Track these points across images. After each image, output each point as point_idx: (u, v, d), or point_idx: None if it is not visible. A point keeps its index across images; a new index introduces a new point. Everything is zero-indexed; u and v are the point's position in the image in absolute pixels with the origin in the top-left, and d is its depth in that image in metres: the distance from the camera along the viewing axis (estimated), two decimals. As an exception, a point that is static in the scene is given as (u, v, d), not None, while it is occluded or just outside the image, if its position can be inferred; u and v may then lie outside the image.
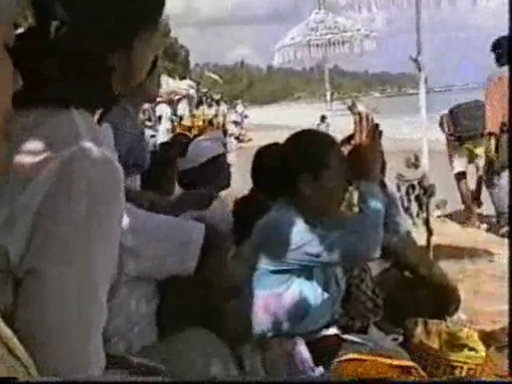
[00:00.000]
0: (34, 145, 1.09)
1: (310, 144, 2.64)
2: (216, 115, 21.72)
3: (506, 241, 6.77)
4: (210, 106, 22.32)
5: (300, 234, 2.51)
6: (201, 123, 20.17)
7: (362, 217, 2.52)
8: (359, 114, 2.58)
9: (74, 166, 1.08)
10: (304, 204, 2.61)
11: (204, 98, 23.19)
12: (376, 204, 2.50)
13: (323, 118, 19.43)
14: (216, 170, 3.85)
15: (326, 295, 2.64)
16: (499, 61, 6.55)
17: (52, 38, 1.21)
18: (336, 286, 2.74)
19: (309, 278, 2.59)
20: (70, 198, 1.06)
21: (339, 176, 2.59)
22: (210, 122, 20.89)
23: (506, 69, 6.23)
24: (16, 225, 1.06)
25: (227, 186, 3.88)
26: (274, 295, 2.59)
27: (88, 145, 1.10)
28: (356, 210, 2.71)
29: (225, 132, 21.03)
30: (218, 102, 22.33)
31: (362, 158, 2.55)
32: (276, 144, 3.61)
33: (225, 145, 4.12)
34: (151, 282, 2.44)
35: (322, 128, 16.97)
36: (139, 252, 2.32)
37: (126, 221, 2.34)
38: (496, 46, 6.59)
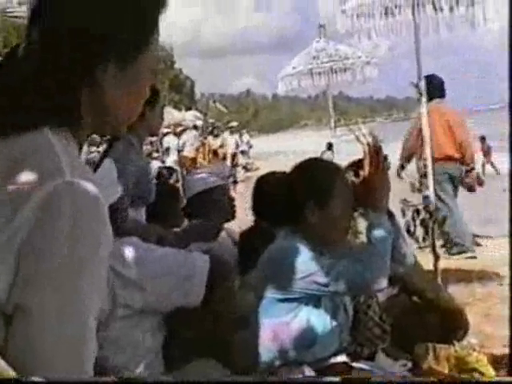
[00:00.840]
0: (18, 177, 1.09)
1: (316, 172, 2.66)
2: (221, 146, 21.71)
3: None
4: (215, 136, 22.34)
5: (307, 263, 2.51)
6: (201, 155, 20.19)
7: (370, 247, 2.53)
8: (368, 144, 2.60)
9: (56, 200, 1.07)
10: (310, 232, 2.61)
11: (210, 129, 23.23)
12: (384, 235, 2.52)
13: (330, 146, 19.50)
14: (212, 202, 3.83)
15: (334, 323, 2.63)
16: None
17: (24, 64, 1.20)
18: (344, 314, 2.73)
19: (317, 306, 2.59)
20: (53, 233, 1.07)
21: (345, 204, 2.60)
22: (215, 153, 20.88)
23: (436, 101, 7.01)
24: (1, 260, 1.07)
25: (232, 217, 3.87)
26: (282, 324, 2.59)
27: (71, 178, 1.10)
28: (362, 237, 2.73)
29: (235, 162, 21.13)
30: (219, 132, 22.39)
31: (371, 189, 2.57)
32: (274, 173, 3.64)
33: (228, 177, 4.13)
34: (157, 314, 2.45)
35: (328, 155, 17.02)
36: (143, 285, 2.34)
37: (130, 254, 2.36)
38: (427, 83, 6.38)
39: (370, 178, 2.57)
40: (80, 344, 1.10)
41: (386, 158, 2.62)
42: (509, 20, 1.58)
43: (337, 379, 2.15)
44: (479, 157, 20.62)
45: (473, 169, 7.45)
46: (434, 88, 7.03)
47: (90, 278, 1.10)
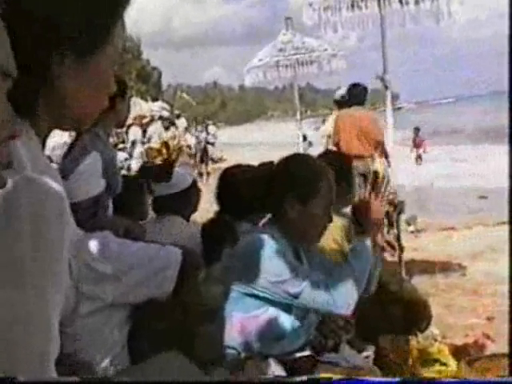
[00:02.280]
0: None
1: (302, 168, 2.66)
2: (173, 137, 21.51)
3: (477, 255, 6.84)
4: (166, 128, 22.17)
5: (281, 267, 2.51)
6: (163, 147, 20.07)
7: (348, 270, 2.55)
8: (375, 172, 2.63)
9: (16, 197, 1.06)
10: (288, 227, 2.62)
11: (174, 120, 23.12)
12: (364, 261, 2.55)
13: (305, 138, 19.58)
14: (194, 196, 3.87)
15: (304, 321, 2.65)
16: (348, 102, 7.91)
17: None
18: (314, 313, 2.74)
19: (286, 310, 2.61)
20: (14, 230, 1.05)
21: (326, 204, 2.60)
22: (167, 145, 20.74)
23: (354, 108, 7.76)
24: None
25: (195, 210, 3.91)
26: (251, 317, 2.59)
27: (31, 174, 1.09)
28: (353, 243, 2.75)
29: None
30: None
31: (366, 215, 2.60)
32: (240, 165, 3.64)
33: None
34: (125, 308, 2.44)
35: (304, 146, 17.10)
36: (118, 279, 2.33)
37: (105, 249, 2.35)
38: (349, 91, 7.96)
39: (368, 206, 2.61)
40: (44, 342, 1.09)
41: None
42: (509, 19, 1.60)
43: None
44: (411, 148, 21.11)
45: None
46: (354, 97, 7.82)
47: (53, 276, 1.09)
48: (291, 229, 2.62)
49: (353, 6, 5.05)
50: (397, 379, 1.03)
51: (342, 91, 8.53)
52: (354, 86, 7.90)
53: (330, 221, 2.69)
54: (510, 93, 1.71)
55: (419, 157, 21.56)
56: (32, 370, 1.07)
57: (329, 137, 8.71)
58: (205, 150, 22.65)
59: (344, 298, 2.50)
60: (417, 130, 22.81)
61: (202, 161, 21.85)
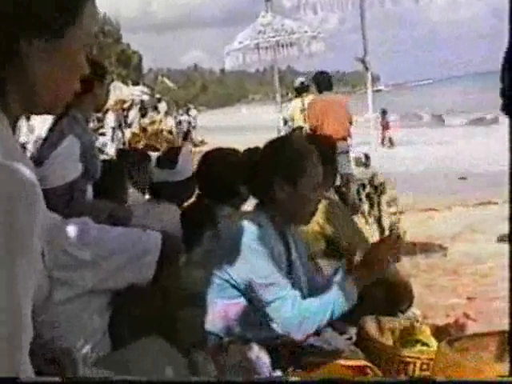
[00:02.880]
0: None
1: (287, 150, 2.65)
2: (152, 122, 21.39)
3: (458, 235, 6.88)
4: (143, 116, 22.07)
5: (268, 269, 2.52)
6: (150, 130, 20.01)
7: (327, 293, 2.56)
8: (398, 235, 2.66)
9: None
10: (277, 210, 2.62)
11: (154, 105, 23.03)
12: (345, 300, 2.56)
13: (286, 121, 19.56)
14: (193, 186, 3.85)
15: None
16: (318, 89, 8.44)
17: None
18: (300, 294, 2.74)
19: None
20: None
21: (314, 183, 2.60)
22: (144, 130, 20.68)
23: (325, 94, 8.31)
24: None
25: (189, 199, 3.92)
26: (234, 304, 2.59)
27: (2, 160, 1.05)
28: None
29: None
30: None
31: (372, 266, 2.63)
32: (220, 149, 3.62)
33: None
34: (106, 294, 2.43)
35: (286, 129, 17.07)
36: (97, 265, 2.31)
37: (83, 235, 2.34)
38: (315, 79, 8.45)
39: (376, 258, 2.63)
40: (14, 331, 1.07)
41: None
42: (509, 18, 1.60)
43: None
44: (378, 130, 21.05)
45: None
46: (322, 83, 8.29)
47: (25, 265, 1.07)
48: (281, 211, 2.62)
49: (332, -13, 5.03)
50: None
51: (302, 79, 9.61)
52: (320, 74, 8.36)
53: (319, 202, 2.69)
54: (510, 90, 1.70)
55: (390, 140, 21.68)
56: (2, 360, 1.05)
57: (292, 120, 9.86)
58: (187, 134, 22.56)
59: (305, 326, 2.51)
60: (384, 112, 22.71)
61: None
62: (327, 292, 2.57)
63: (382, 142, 21.16)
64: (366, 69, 5.26)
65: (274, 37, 8.67)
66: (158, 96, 26.44)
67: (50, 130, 3.48)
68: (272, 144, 2.74)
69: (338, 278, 2.60)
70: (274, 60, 9.28)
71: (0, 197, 1.03)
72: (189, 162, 3.86)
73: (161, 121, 20.97)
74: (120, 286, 2.41)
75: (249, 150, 3.09)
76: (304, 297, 2.72)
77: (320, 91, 8.40)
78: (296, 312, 2.49)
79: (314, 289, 2.78)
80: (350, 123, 8.25)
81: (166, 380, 2.36)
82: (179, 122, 22.23)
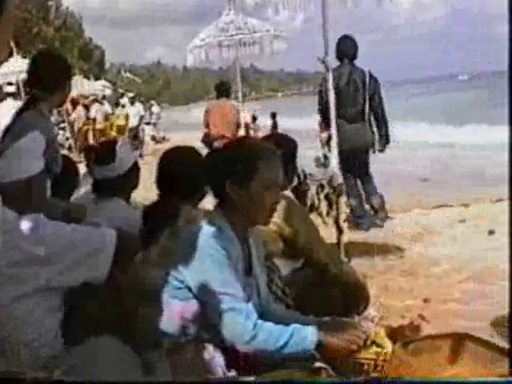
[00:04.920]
0: None
1: (238, 151, 2.64)
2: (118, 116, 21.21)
3: (415, 237, 6.94)
4: (123, 107, 21.94)
5: (224, 278, 2.49)
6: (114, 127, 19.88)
7: (285, 332, 2.51)
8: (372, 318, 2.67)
9: None
10: (234, 210, 2.60)
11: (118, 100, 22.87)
12: (303, 345, 2.50)
13: (254, 119, 19.60)
14: (135, 177, 3.82)
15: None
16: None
17: None
18: (257, 297, 2.73)
19: None
20: None
21: (268, 184, 2.58)
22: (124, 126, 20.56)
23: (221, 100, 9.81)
24: None
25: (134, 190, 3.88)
26: (190, 305, 2.57)
27: None
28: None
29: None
30: (132, 103, 21.85)
31: (334, 353, 2.58)
32: (180, 147, 3.60)
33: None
34: (59, 292, 2.39)
35: (254, 127, 17.13)
36: (51, 262, 2.28)
37: (38, 232, 2.29)
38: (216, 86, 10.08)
39: (339, 347, 2.57)
40: None
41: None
42: (509, 19, 1.60)
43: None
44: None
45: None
46: (221, 90, 9.84)
47: None
48: (237, 212, 2.61)
49: (295, -14, 5.02)
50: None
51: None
52: (222, 84, 9.99)
53: (277, 202, 2.68)
54: (510, 92, 1.71)
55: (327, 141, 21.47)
56: None
57: None
58: (142, 131, 22.42)
59: (254, 344, 2.48)
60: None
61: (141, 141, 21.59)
62: (292, 325, 2.55)
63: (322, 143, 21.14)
64: (327, 69, 5.26)
65: (236, 35, 8.68)
66: (120, 91, 26.26)
67: (13, 121, 3.43)
68: (226, 146, 2.77)
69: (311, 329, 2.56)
70: (236, 58, 9.28)
71: None
72: (127, 153, 3.82)
73: (127, 116, 20.83)
74: (73, 283, 2.37)
75: (213, 152, 3.08)
76: (262, 301, 2.72)
77: (218, 97, 9.85)
78: (249, 328, 2.47)
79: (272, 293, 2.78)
80: (238, 127, 9.69)
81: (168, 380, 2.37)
82: (141, 118, 22.04)
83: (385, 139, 7.57)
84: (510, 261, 1.88)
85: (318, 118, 8.25)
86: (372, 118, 7.43)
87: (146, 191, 4.28)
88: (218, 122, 9.51)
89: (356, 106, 7.30)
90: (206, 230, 2.54)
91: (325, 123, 7.44)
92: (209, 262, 2.49)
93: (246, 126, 12.16)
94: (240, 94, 9.94)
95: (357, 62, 7.50)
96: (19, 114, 3.43)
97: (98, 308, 2.49)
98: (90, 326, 2.43)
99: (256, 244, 2.78)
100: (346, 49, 7.37)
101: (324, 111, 7.28)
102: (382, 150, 7.61)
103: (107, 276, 2.38)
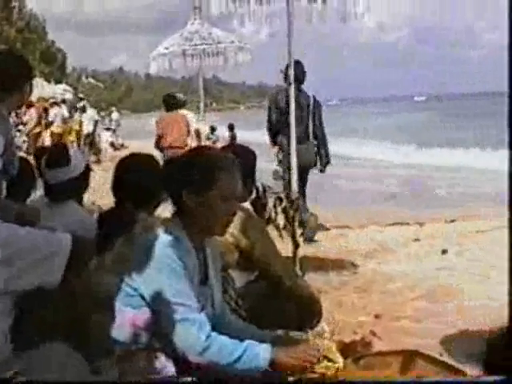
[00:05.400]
0: None
1: (197, 160, 2.61)
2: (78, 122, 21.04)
3: (369, 253, 6.99)
4: (82, 111, 21.76)
5: (179, 288, 2.47)
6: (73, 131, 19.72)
7: (238, 347, 2.48)
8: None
9: None
10: (190, 218, 2.58)
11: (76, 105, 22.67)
12: (256, 362, 2.48)
13: (212, 130, 19.59)
14: (87, 179, 3.79)
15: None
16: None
17: None
18: (211, 308, 2.71)
19: None
20: None
21: (226, 195, 2.56)
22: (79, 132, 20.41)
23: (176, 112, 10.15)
24: None
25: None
26: (143, 312, 2.54)
27: None
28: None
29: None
30: (83, 109, 21.72)
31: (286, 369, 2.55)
32: (135, 154, 3.58)
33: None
34: (9, 297, 2.34)
35: (213, 138, 17.13)
36: (6, 264, 2.23)
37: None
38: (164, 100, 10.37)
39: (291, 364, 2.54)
40: None
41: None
42: (508, 21, 1.61)
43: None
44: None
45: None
46: (169, 104, 10.16)
47: None
48: (192, 220, 2.59)
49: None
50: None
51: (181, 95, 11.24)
52: (168, 96, 10.39)
53: (234, 213, 2.66)
54: (510, 103, 1.73)
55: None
56: None
57: None
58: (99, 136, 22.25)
59: (206, 356, 2.46)
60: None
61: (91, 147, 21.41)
62: (247, 341, 2.53)
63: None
64: (289, 83, 5.30)
65: (200, 44, 8.70)
66: (80, 95, 26.04)
67: None
68: (184, 154, 2.74)
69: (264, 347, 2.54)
70: (200, 68, 9.29)
71: None
72: (80, 155, 3.80)
73: (81, 122, 20.66)
74: (27, 287, 2.33)
75: (171, 160, 3.05)
76: (217, 311, 2.71)
77: (167, 110, 10.23)
78: (201, 339, 2.45)
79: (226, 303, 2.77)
80: (188, 135, 10.15)
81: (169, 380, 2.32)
82: (95, 123, 21.88)
83: (325, 159, 7.81)
84: (510, 264, 1.89)
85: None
86: (313, 139, 7.74)
87: (101, 197, 4.24)
88: (169, 133, 10.00)
89: (301, 126, 7.48)
90: (163, 238, 2.52)
91: (272, 140, 7.82)
92: (164, 271, 2.47)
93: (198, 135, 12.30)
94: (202, 105, 9.94)
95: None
96: None
97: (51, 313, 2.45)
98: (42, 331, 2.39)
99: (213, 254, 2.76)
100: (295, 73, 7.53)
101: (272, 128, 7.74)
102: (322, 171, 7.82)
103: (61, 280, 2.34)
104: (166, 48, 8.81)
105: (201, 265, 2.65)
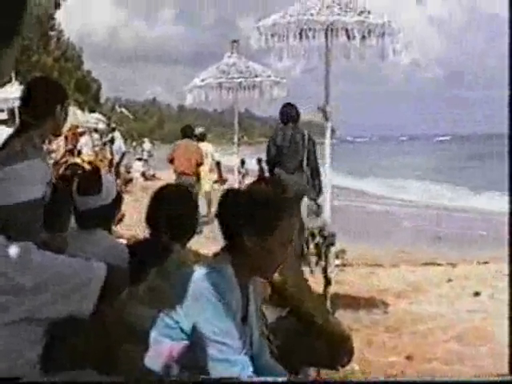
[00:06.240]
0: None
1: (265, 201, 2.48)
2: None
3: (401, 293, 6.91)
4: (111, 142, 21.96)
5: (223, 327, 2.40)
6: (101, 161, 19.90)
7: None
8: None
9: None
10: (244, 256, 2.48)
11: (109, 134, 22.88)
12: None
13: (242, 163, 19.70)
14: (118, 207, 3.77)
15: None
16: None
17: None
18: (249, 347, 2.65)
19: None
20: None
21: (286, 239, 2.49)
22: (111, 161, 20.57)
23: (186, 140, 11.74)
24: None
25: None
26: (181, 344, 2.51)
27: None
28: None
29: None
30: (111, 141, 21.93)
31: None
32: (172, 185, 3.57)
33: None
34: (40, 325, 2.33)
35: (242, 171, 17.26)
36: (38, 292, 2.21)
37: (26, 260, 2.24)
38: (182, 130, 12.12)
39: None
40: None
41: None
42: (509, 24, 1.59)
43: None
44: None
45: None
46: (186, 132, 11.81)
47: None
48: (246, 260, 2.49)
49: (300, 34, 5.06)
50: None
51: (201, 129, 13.79)
52: (187, 127, 12.17)
53: (287, 256, 2.59)
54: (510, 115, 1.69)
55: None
56: None
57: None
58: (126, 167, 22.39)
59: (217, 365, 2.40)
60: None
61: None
62: None
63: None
64: (326, 119, 5.28)
65: (237, 78, 8.74)
66: (113, 125, 26.32)
67: (3, 145, 3.40)
68: (247, 191, 2.61)
69: None
70: (235, 101, 9.34)
71: None
72: (112, 183, 3.78)
73: (112, 151, 20.85)
74: (58, 316, 2.31)
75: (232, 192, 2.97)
76: (254, 351, 2.66)
77: (183, 137, 11.71)
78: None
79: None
80: (198, 165, 11.41)
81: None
82: (123, 155, 22.05)
83: (318, 189, 8.15)
84: (510, 272, 1.84)
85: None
86: (308, 171, 8.22)
87: (131, 226, 4.24)
88: (181, 160, 11.28)
89: (295, 160, 8.16)
90: (207, 273, 2.45)
91: (270, 172, 8.40)
92: (209, 309, 2.40)
93: (219, 168, 13.26)
94: (236, 138, 9.97)
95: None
96: (5, 143, 3.39)
97: (82, 341, 2.43)
98: (73, 359, 2.37)
99: (255, 291, 2.70)
100: (291, 114, 8.36)
101: (271, 162, 8.38)
102: (315, 200, 7.87)
103: (93, 310, 2.32)
104: (203, 80, 8.85)
105: (243, 303, 2.58)
